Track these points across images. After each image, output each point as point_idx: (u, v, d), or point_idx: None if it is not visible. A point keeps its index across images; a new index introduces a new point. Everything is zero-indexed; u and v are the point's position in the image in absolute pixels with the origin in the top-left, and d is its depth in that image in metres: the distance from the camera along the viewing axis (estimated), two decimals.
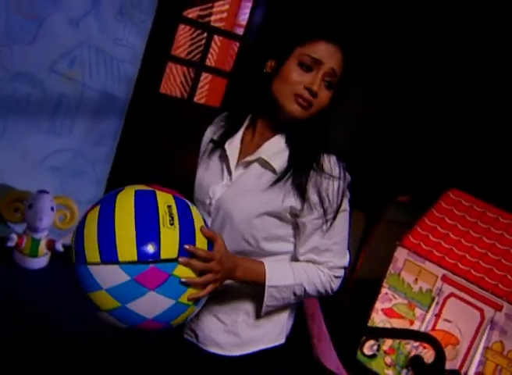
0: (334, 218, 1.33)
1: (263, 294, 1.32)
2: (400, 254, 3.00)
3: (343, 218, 1.36)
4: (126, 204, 1.17)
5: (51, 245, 2.95)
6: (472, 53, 3.53)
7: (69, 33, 2.59)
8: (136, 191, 1.20)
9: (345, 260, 1.39)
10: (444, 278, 2.86)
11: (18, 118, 2.68)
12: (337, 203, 1.32)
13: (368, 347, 3.12)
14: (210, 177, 1.41)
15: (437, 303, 2.87)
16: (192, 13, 3.15)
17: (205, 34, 3.17)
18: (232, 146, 1.40)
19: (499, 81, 3.45)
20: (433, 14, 3.53)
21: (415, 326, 2.93)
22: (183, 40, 3.32)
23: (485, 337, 2.72)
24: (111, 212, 1.16)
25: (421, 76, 3.62)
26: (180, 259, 1.15)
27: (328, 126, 1.38)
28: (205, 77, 3.46)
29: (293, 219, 1.34)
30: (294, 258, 1.39)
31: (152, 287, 1.13)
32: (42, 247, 2.95)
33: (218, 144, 1.42)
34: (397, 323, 3.01)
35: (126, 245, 1.13)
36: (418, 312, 2.94)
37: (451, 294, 2.84)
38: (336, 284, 1.39)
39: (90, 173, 3.01)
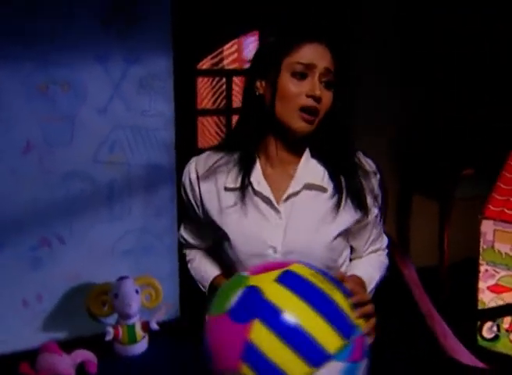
0: (386, 208, 1.38)
1: None
2: (487, 226, 2.90)
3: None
4: (286, 298, 1.01)
5: (146, 327, 2.96)
6: (472, 53, 3.48)
7: (101, 121, 2.66)
8: (277, 280, 1.04)
9: (386, 237, 1.48)
10: None
11: (79, 215, 2.74)
12: (382, 194, 1.36)
13: (487, 330, 2.99)
14: (252, 227, 1.31)
15: None
16: (206, 64, 3.22)
17: (224, 79, 3.24)
18: (262, 184, 1.31)
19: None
20: (433, 14, 3.50)
21: None
22: (205, 91, 3.38)
23: None
24: (281, 315, 0.99)
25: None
26: (357, 314, 1.07)
27: (347, 125, 1.34)
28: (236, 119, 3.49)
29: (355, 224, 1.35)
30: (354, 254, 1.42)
31: (362, 357, 1.05)
32: (138, 331, 2.96)
33: (242, 189, 1.32)
34: (509, 297, 2.88)
35: (327, 335, 0.99)
36: None
37: None
38: (388, 260, 1.48)
39: (159, 246, 3.04)
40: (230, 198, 1.33)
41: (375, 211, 1.36)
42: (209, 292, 1.51)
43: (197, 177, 1.37)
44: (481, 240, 2.92)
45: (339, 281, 1.10)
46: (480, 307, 2.98)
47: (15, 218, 2.60)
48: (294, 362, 0.96)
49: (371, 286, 1.35)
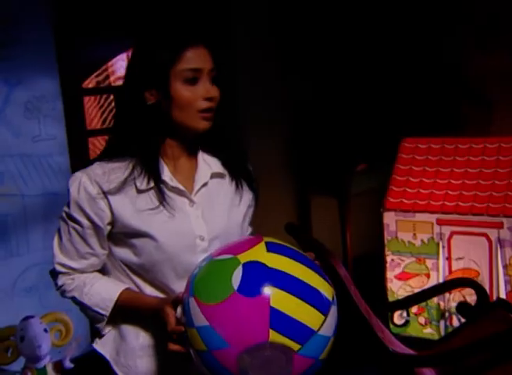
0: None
1: None
2: (389, 218, 3.02)
3: None
4: (283, 262, 1.13)
5: (59, 367, 2.75)
6: (357, 46, 3.62)
7: None
8: (268, 250, 1.15)
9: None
10: (439, 221, 2.90)
11: None
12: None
13: (398, 317, 3.11)
14: (179, 221, 1.35)
15: (443, 247, 2.91)
16: (91, 83, 3.08)
17: (112, 96, 3.11)
18: (174, 180, 1.38)
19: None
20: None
21: (432, 277, 2.95)
22: (94, 111, 3.24)
23: (500, 258, 2.77)
24: (288, 276, 1.11)
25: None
26: None
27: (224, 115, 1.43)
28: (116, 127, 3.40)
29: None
30: None
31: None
32: (51, 373, 2.75)
33: (157, 189, 1.35)
34: (415, 282, 3.03)
35: (324, 285, 1.14)
36: (430, 263, 2.96)
37: (452, 233, 2.88)
38: None
39: None
40: (146, 199, 1.35)
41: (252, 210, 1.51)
42: (112, 312, 1.42)
43: (103, 192, 1.35)
44: (385, 231, 3.04)
45: (306, 258, 1.22)
46: (389, 296, 3.10)
47: None
48: (312, 314, 1.08)
49: None
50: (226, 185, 1.45)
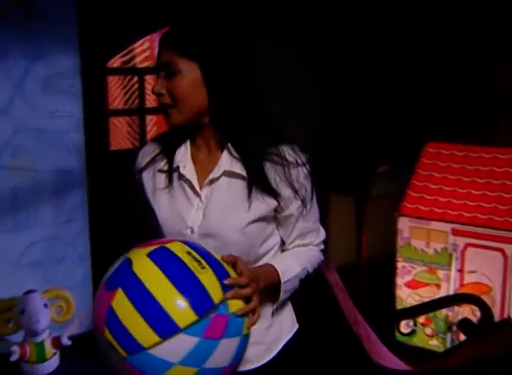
0: (310, 201, 1.39)
1: (276, 291, 1.35)
2: (403, 223, 2.95)
3: (314, 198, 1.43)
4: (150, 271, 1.11)
5: (57, 343, 2.76)
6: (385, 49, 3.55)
7: (2, 123, 2.47)
8: (149, 255, 1.14)
9: (323, 233, 1.51)
10: (454, 231, 2.81)
11: None
12: (310, 187, 1.38)
13: (404, 325, 3.05)
14: (178, 207, 1.38)
15: (456, 258, 2.82)
16: (116, 62, 3.08)
17: (136, 78, 3.11)
18: (188, 168, 1.38)
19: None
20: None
21: (443, 288, 2.88)
22: (117, 90, 3.24)
23: None
24: (140, 286, 1.09)
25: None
26: (228, 295, 1.13)
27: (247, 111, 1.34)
28: (150, 119, 3.41)
29: (275, 215, 1.38)
30: (282, 249, 1.45)
31: (221, 335, 1.10)
32: (48, 348, 2.75)
33: (171, 172, 1.40)
34: (425, 291, 2.95)
35: (179, 309, 1.07)
36: (441, 273, 2.88)
37: (467, 245, 2.79)
38: (322, 257, 1.50)
39: (71, 254, 2.87)
40: (162, 180, 1.41)
41: (296, 203, 1.37)
42: None
43: (141, 166, 1.46)
44: (398, 237, 2.97)
45: (218, 263, 1.18)
46: (398, 303, 3.04)
47: None
48: (145, 331, 1.06)
49: (286, 276, 1.36)
50: (240, 187, 1.35)
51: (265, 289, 1.31)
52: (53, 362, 2.73)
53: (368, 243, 3.62)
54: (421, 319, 2.96)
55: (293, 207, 1.37)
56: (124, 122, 3.40)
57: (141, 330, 1.06)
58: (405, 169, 3.21)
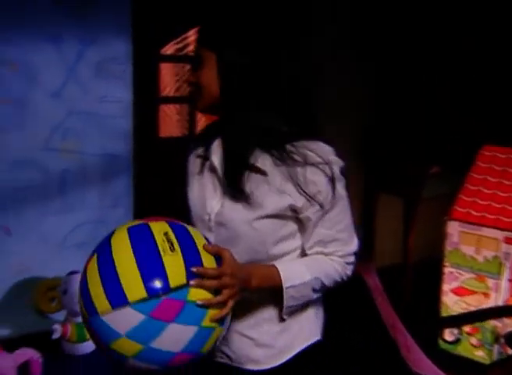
0: (333, 207, 1.32)
1: (281, 296, 1.31)
2: (452, 228, 2.84)
3: (342, 204, 1.34)
4: (121, 244, 1.16)
5: None
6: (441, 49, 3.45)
7: (54, 106, 2.52)
8: (128, 229, 1.19)
9: (353, 246, 1.40)
10: (507, 239, 2.69)
11: (27, 206, 2.59)
12: (332, 191, 1.30)
13: (449, 333, 2.94)
14: (205, 193, 1.41)
15: (508, 268, 2.70)
16: (169, 49, 3.08)
17: (188, 66, 3.09)
18: (218, 158, 1.39)
19: None
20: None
21: (491, 298, 2.76)
22: (168, 78, 3.24)
23: None
24: (109, 256, 1.15)
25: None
26: (191, 283, 1.13)
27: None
28: None
29: (295, 216, 1.34)
30: (303, 254, 1.39)
31: (170, 319, 1.11)
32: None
33: (205, 158, 1.42)
34: (472, 300, 2.84)
35: (133, 284, 1.12)
36: (490, 282, 2.76)
37: None
38: (350, 271, 1.40)
39: None
40: (198, 165, 1.45)
41: (314, 207, 1.31)
42: None
43: (190, 148, 1.50)
44: (447, 241, 2.87)
45: (195, 250, 1.18)
46: (443, 309, 2.93)
47: None
48: (101, 298, 1.12)
49: (290, 282, 1.31)
50: (259, 181, 1.33)
51: (267, 291, 1.31)
52: (92, 343, 2.79)
53: (416, 245, 3.52)
54: (467, 327, 2.85)
55: (311, 210, 1.32)
56: (174, 109, 3.41)
57: (99, 296, 1.13)
58: (457, 172, 3.10)
